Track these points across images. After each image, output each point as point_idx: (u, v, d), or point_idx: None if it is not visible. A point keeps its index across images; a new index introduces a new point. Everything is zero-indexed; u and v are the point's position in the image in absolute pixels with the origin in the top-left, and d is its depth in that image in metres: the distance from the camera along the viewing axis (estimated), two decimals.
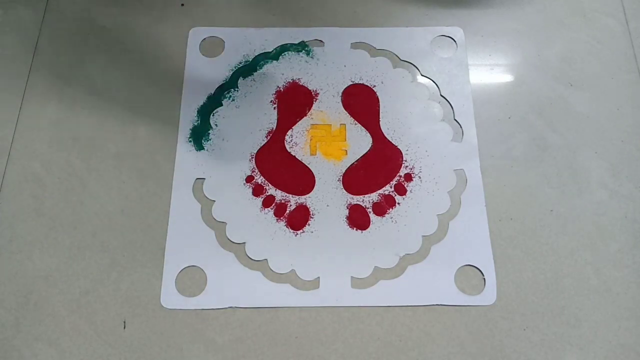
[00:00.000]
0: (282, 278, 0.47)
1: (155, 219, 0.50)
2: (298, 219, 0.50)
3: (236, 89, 0.55)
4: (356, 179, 0.51)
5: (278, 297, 0.47)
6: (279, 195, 0.51)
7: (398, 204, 0.50)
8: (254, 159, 0.52)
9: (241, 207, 0.50)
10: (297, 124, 0.53)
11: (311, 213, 0.50)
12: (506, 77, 0.56)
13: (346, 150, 0.52)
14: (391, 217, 0.50)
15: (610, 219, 0.50)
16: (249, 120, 0.53)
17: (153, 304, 0.47)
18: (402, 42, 0.57)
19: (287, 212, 0.50)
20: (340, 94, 0.55)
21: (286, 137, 0.53)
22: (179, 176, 0.51)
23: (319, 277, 0.47)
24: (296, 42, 0.57)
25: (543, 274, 0.48)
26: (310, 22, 0.58)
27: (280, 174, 0.51)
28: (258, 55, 0.56)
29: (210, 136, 0.53)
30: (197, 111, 0.54)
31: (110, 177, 0.51)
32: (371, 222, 0.49)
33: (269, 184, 0.51)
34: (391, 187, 0.51)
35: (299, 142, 0.53)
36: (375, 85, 0.55)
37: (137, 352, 0.45)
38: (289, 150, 0.52)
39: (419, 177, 0.51)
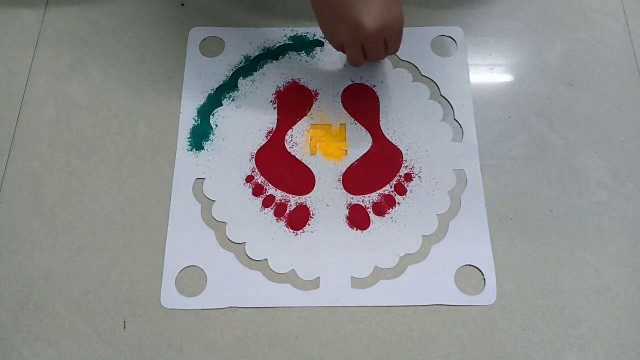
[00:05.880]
0: (282, 278, 0.47)
1: (155, 219, 0.50)
2: (298, 219, 0.50)
3: (236, 89, 0.55)
4: (356, 178, 0.51)
5: (278, 297, 0.47)
6: (279, 195, 0.51)
7: (398, 204, 0.50)
8: (254, 159, 0.52)
9: (241, 207, 0.50)
10: (297, 124, 0.53)
11: (311, 213, 0.50)
12: (506, 77, 0.56)
13: (346, 150, 0.52)
14: (391, 217, 0.50)
15: (610, 219, 0.50)
16: (249, 120, 0.54)
17: (153, 304, 0.47)
18: (402, 42, 0.57)
19: (287, 212, 0.50)
20: (340, 94, 0.55)
21: (286, 137, 0.53)
22: (179, 176, 0.51)
23: (319, 277, 0.47)
24: (296, 42, 0.57)
25: (543, 274, 0.48)
26: (311, 22, 0.58)
27: (280, 174, 0.51)
28: (258, 55, 0.56)
29: (210, 136, 0.53)
30: (197, 111, 0.54)
31: (110, 177, 0.51)
32: (371, 222, 0.49)
33: (269, 184, 0.51)
34: (391, 187, 0.51)
35: (299, 142, 0.53)
36: (375, 85, 0.55)
37: (137, 352, 0.45)
38: (289, 150, 0.52)
39: (419, 177, 0.51)
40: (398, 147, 0.52)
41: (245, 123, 0.53)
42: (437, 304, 0.47)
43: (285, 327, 0.46)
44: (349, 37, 0.46)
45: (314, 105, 0.54)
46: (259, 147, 0.52)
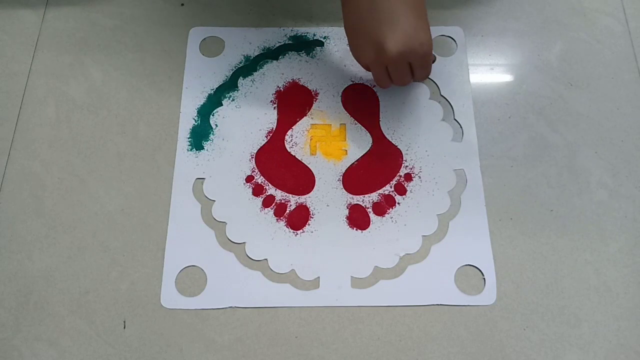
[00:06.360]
0: (282, 278, 0.47)
1: (155, 219, 0.50)
2: (298, 219, 0.50)
3: (236, 89, 0.55)
4: (356, 178, 0.51)
5: (278, 297, 0.47)
6: (279, 195, 0.51)
7: (398, 203, 0.50)
8: (254, 159, 0.52)
9: (241, 207, 0.50)
10: (297, 124, 0.54)
11: (311, 213, 0.50)
12: (506, 77, 0.56)
13: (346, 150, 0.52)
14: (391, 217, 0.50)
15: (610, 219, 0.50)
16: (249, 120, 0.54)
17: (153, 304, 0.47)
18: None
19: (287, 212, 0.50)
20: (340, 94, 0.55)
21: (286, 137, 0.53)
22: (179, 176, 0.51)
23: (319, 277, 0.47)
24: (296, 42, 0.57)
25: (543, 274, 0.48)
26: (311, 22, 0.58)
27: (280, 174, 0.51)
28: (258, 55, 0.56)
29: (210, 136, 0.53)
30: (197, 111, 0.54)
31: (110, 177, 0.51)
32: (371, 222, 0.49)
33: (269, 184, 0.51)
34: (391, 187, 0.51)
35: (299, 142, 0.53)
36: (375, 85, 0.55)
37: (137, 352, 0.45)
38: (289, 150, 0.52)
39: (419, 177, 0.51)
40: (398, 147, 0.52)
41: (245, 123, 0.53)
42: (437, 304, 0.47)
43: (285, 327, 0.46)
44: (374, 59, 0.46)
45: (314, 105, 0.54)
46: (259, 147, 0.52)
